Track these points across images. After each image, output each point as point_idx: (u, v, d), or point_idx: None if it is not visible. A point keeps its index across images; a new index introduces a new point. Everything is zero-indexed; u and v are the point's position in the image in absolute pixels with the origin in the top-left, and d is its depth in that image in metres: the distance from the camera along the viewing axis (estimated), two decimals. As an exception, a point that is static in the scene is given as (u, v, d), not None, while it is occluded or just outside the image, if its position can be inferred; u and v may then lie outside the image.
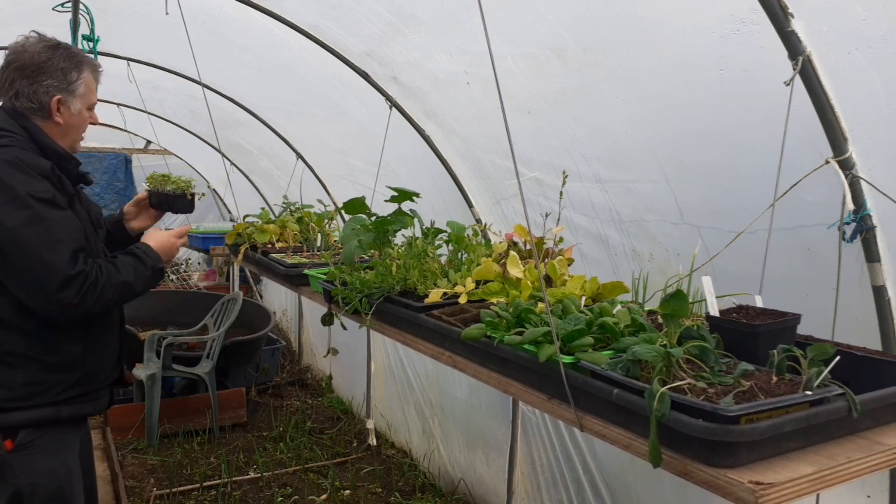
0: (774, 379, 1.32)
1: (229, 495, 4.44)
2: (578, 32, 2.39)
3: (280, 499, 4.40)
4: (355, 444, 5.31)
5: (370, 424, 5.37)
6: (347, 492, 4.53)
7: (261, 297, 8.74)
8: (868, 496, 2.07)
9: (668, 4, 2.08)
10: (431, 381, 4.59)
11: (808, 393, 1.24)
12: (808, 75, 1.79)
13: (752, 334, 1.51)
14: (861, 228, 1.87)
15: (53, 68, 2.16)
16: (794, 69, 1.78)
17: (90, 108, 2.29)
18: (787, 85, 1.81)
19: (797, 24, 1.77)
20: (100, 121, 2.39)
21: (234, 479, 4.64)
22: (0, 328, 2.07)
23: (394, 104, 3.57)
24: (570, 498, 3.40)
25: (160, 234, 2.42)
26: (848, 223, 1.88)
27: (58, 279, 1.98)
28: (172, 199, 2.66)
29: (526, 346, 1.58)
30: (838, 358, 1.32)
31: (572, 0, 2.33)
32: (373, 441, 5.28)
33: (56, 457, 2.15)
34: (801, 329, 1.69)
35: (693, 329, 1.48)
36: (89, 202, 2.42)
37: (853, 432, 1.31)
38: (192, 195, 2.70)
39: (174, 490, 4.45)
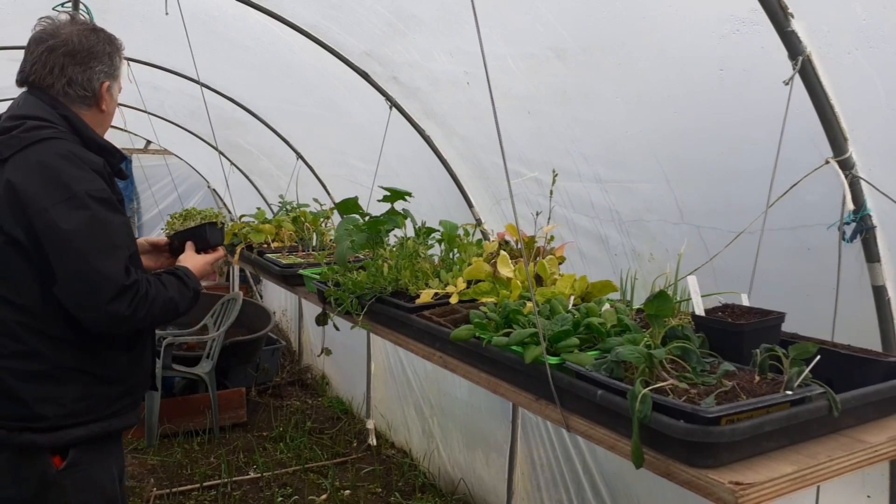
0: (757, 378, 1.33)
1: (229, 495, 4.44)
2: (578, 32, 2.39)
3: (280, 499, 4.40)
4: (355, 444, 5.31)
5: (370, 424, 5.37)
6: (347, 492, 4.53)
7: (261, 297, 8.74)
8: (868, 496, 2.06)
9: (669, 4, 2.08)
10: (431, 381, 4.58)
11: (789, 392, 1.24)
12: (808, 75, 1.79)
13: (737, 333, 1.51)
14: (861, 228, 1.87)
15: (101, 52, 2.02)
16: (794, 69, 1.78)
17: (119, 92, 2.18)
18: (787, 84, 1.80)
19: (797, 24, 1.76)
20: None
21: (234, 479, 4.64)
22: (48, 341, 1.91)
23: (394, 104, 3.56)
24: (570, 498, 3.39)
25: (197, 257, 2.30)
26: (848, 223, 1.88)
27: (112, 289, 1.83)
28: (201, 229, 2.36)
29: (513, 347, 1.59)
30: (818, 357, 1.33)
31: (572, 0, 2.33)
32: (373, 441, 5.28)
33: (105, 471, 2.04)
34: (801, 329, 1.68)
35: (678, 329, 1.48)
36: None
37: (835, 431, 1.31)
38: (223, 223, 2.50)
39: (174, 490, 4.45)
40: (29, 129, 1.90)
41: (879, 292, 1.91)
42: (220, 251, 2.37)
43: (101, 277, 1.83)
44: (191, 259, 2.28)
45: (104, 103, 2.07)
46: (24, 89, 2.05)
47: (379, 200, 2.60)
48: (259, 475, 4.71)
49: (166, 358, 5.19)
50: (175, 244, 2.43)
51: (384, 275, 2.28)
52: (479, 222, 3.56)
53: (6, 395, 1.91)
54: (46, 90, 2.00)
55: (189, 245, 2.35)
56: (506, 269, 2.03)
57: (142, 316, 1.90)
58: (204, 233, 2.36)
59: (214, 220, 2.45)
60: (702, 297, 1.65)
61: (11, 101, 2.07)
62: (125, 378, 2.06)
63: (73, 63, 1.99)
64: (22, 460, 1.93)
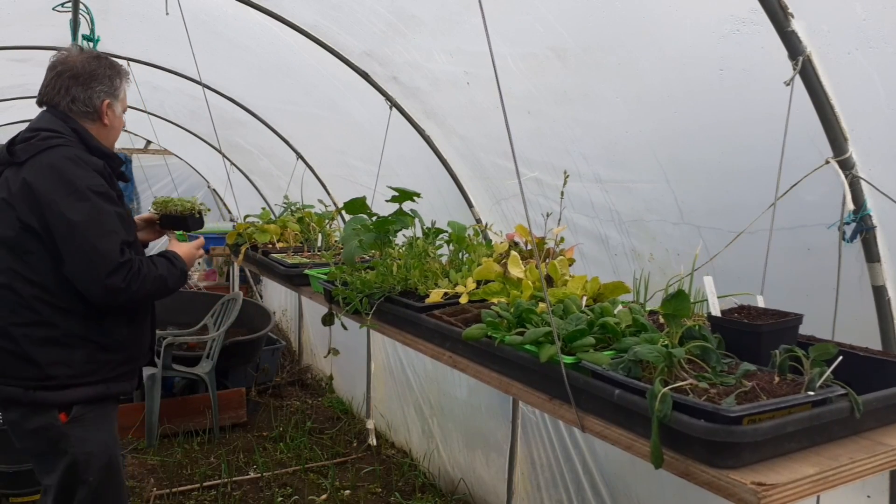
0: (776, 379, 1.31)
1: (229, 495, 4.44)
2: (578, 32, 2.39)
3: (280, 499, 4.41)
4: (355, 444, 5.31)
5: (370, 424, 5.37)
6: (347, 492, 4.53)
7: (261, 297, 8.73)
8: (868, 496, 2.07)
9: (669, 4, 2.08)
10: (431, 381, 4.59)
11: (811, 393, 1.23)
12: (808, 75, 1.79)
13: (755, 334, 1.51)
14: (861, 228, 1.87)
15: (102, 75, 2.46)
16: (794, 69, 1.78)
17: (124, 111, 2.59)
18: (787, 85, 1.80)
19: (797, 24, 1.76)
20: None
21: (234, 479, 4.64)
22: (60, 313, 2.30)
23: (394, 104, 3.57)
24: (570, 498, 3.40)
25: (183, 244, 2.70)
26: (848, 223, 1.88)
27: (109, 265, 2.22)
28: (183, 218, 3.03)
29: (527, 347, 1.58)
30: (840, 358, 1.32)
31: (572, 0, 2.33)
32: (373, 441, 5.28)
33: (105, 429, 2.42)
34: (801, 329, 1.69)
35: (694, 329, 1.47)
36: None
37: (856, 433, 1.31)
38: (201, 212, 3.08)
39: (174, 490, 4.45)
40: (43, 139, 2.33)
41: (879, 292, 1.91)
42: (201, 239, 2.85)
43: (100, 255, 2.23)
44: (177, 245, 2.69)
45: (106, 118, 2.49)
46: (43, 108, 2.49)
47: (387, 200, 2.61)
48: (259, 475, 4.71)
49: (166, 358, 5.18)
50: (164, 222, 3.02)
51: (394, 274, 2.28)
52: (479, 222, 3.57)
53: (24, 358, 2.30)
54: (56, 107, 2.43)
55: (158, 231, 2.94)
56: (517, 270, 2.03)
57: (135, 289, 2.28)
58: (186, 221, 3.03)
59: (193, 211, 3.13)
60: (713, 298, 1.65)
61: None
62: (125, 347, 2.45)
63: (77, 84, 2.41)
64: (33, 415, 2.33)
